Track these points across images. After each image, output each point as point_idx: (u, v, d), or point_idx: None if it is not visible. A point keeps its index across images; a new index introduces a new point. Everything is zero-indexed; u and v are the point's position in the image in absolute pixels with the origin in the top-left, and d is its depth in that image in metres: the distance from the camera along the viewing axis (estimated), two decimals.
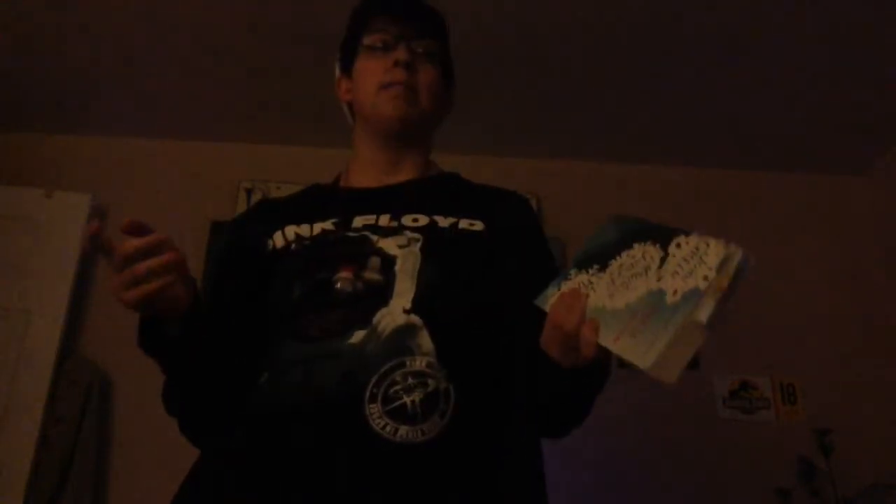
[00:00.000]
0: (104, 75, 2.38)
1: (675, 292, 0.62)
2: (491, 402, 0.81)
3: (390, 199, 0.95)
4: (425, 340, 0.80)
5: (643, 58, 2.26)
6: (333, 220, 0.92)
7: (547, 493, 0.86)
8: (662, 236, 0.67)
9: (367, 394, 0.76)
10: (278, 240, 0.92)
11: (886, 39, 2.15)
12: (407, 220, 0.91)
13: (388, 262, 0.85)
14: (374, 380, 0.77)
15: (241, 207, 2.60)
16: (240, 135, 2.69)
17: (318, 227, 0.92)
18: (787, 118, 2.54)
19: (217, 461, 0.82)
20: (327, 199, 1.01)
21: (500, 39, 2.19)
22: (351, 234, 0.90)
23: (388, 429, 0.74)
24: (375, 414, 0.75)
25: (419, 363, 0.78)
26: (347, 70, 1.04)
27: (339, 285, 0.83)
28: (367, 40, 1.00)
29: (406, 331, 0.80)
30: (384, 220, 0.91)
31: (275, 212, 0.99)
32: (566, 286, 0.73)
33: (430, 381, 0.78)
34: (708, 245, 0.62)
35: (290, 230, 0.92)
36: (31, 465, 2.08)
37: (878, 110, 2.49)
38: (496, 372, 0.83)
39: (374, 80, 0.97)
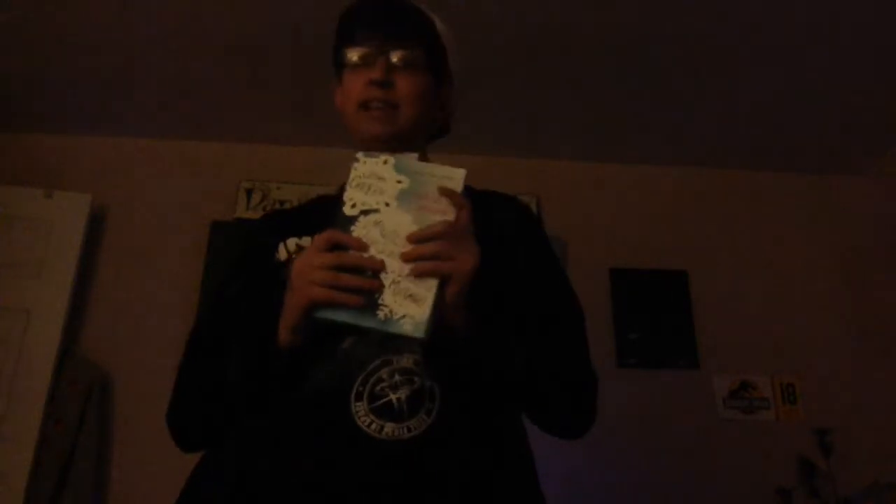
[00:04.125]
0: (104, 75, 2.38)
1: None
2: (477, 400, 0.82)
3: None
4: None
5: (643, 58, 2.26)
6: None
7: (541, 489, 0.86)
8: None
9: (354, 392, 0.78)
10: (281, 252, 0.94)
11: (886, 39, 2.15)
12: None
13: None
14: (360, 378, 0.79)
15: (241, 207, 2.60)
16: (240, 135, 2.69)
17: None
18: (787, 118, 2.55)
19: (214, 464, 0.85)
20: (330, 209, 1.04)
21: (501, 40, 2.20)
22: None
23: (373, 426, 0.76)
24: (361, 412, 0.77)
25: (406, 360, 0.80)
26: (340, 79, 1.04)
27: None
28: (349, 54, 0.99)
29: None
30: None
31: (280, 224, 1.01)
32: None
33: (416, 379, 0.79)
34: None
35: (292, 242, 0.94)
36: (31, 465, 2.08)
37: (878, 110, 2.49)
38: (483, 372, 0.83)
39: (354, 97, 0.97)
